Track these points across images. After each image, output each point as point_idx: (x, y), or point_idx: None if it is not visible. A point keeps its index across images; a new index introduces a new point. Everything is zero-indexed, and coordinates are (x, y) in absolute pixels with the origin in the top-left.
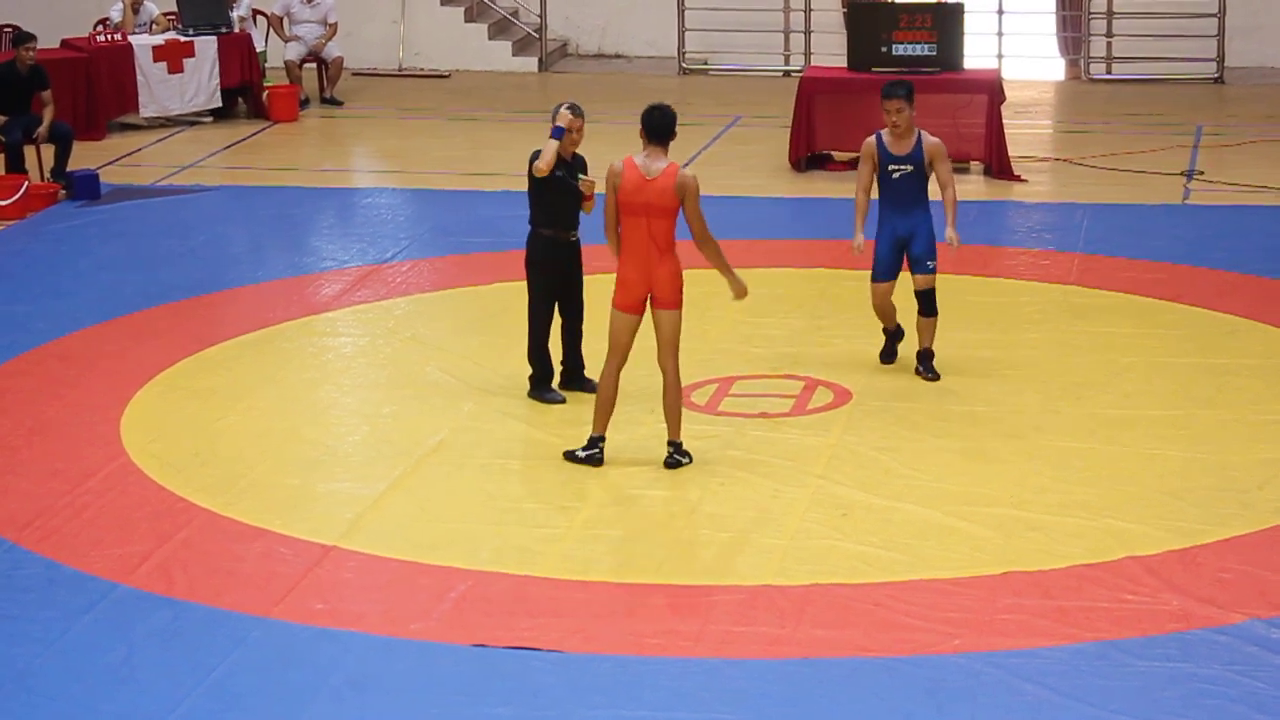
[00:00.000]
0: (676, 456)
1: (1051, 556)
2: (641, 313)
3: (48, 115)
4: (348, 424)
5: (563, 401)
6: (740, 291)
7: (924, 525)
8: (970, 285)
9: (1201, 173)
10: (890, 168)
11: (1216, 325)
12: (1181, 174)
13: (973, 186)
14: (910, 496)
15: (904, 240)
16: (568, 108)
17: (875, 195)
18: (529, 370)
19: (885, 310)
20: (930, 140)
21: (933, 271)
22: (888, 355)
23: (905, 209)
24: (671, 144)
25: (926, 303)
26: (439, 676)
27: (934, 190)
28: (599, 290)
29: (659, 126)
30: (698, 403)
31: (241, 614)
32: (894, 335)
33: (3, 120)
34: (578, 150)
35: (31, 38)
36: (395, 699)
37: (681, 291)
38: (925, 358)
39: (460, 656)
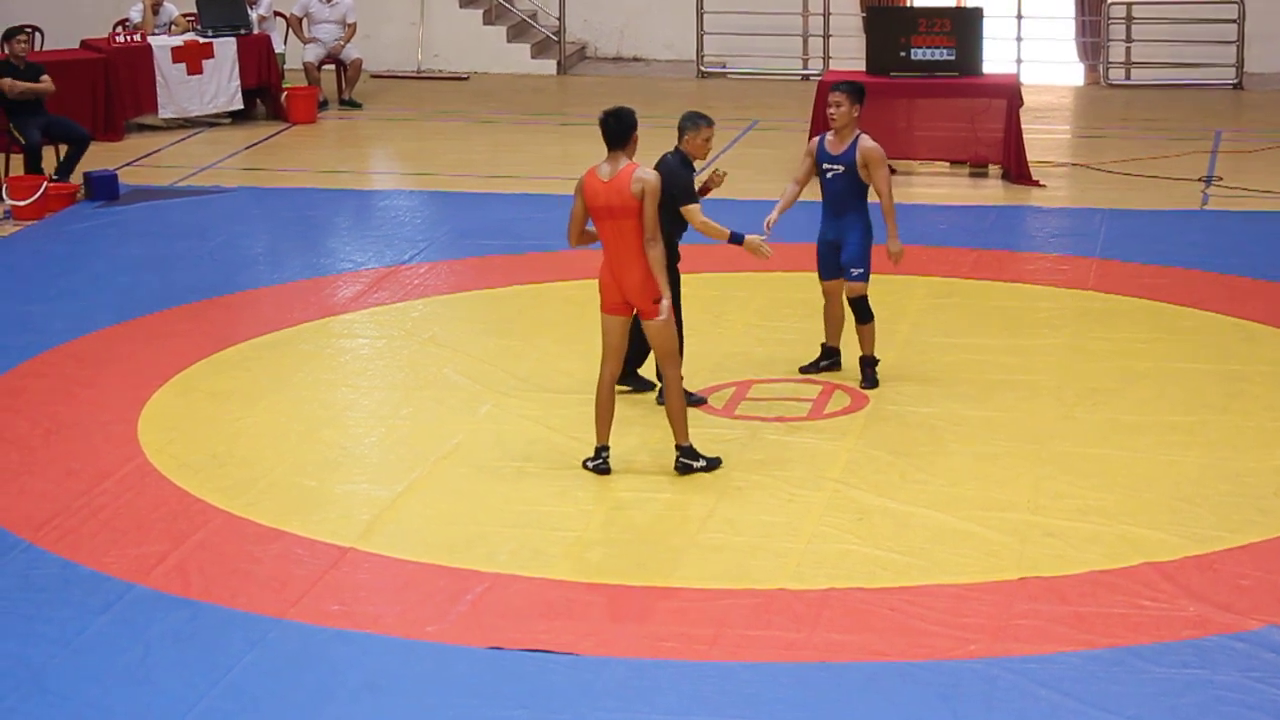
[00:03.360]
0: (685, 461)
1: (1068, 562)
2: (625, 314)
3: (43, 85)
4: (365, 426)
5: (654, 387)
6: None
7: (940, 530)
8: (987, 290)
9: (1220, 178)
10: (825, 166)
11: (1234, 331)
12: (1200, 180)
13: (991, 191)
14: (926, 501)
15: (834, 244)
16: (705, 121)
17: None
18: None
19: (831, 315)
20: (866, 144)
21: (859, 279)
22: (810, 367)
23: (838, 213)
24: (635, 147)
25: (858, 310)
26: (454, 678)
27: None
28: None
29: (614, 131)
30: (715, 406)
31: (258, 615)
32: (827, 352)
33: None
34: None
35: (22, 30)
36: (411, 701)
37: (658, 300)
38: (865, 364)
39: (475, 659)
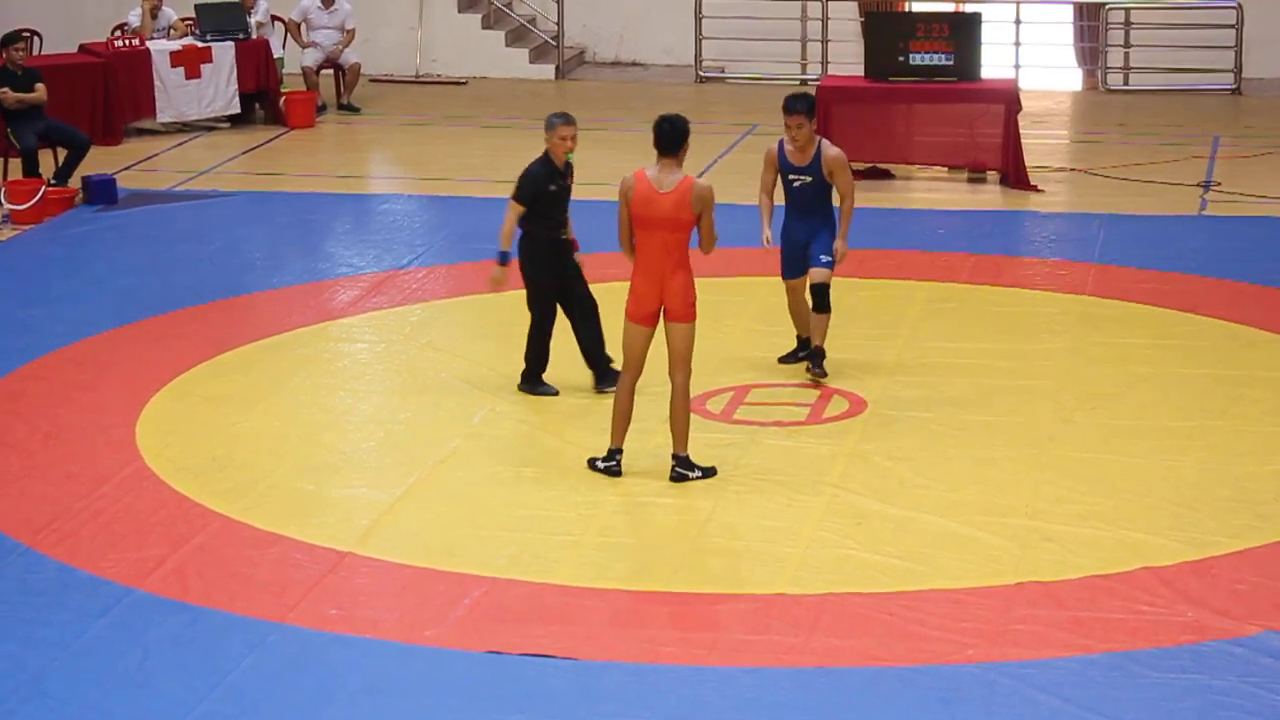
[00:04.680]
0: (681, 470)
1: (1066, 567)
2: (653, 325)
3: (36, 95)
4: (363, 430)
5: (555, 393)
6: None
7: (938, 535)
8: (986, 295)
9: (1218, 184)
10: (790, 177)
11: (1232, 337)
12: (1198, 185)
13: (989, 196)
14: (925, 506)
15: (804, 243)
16: (561, 120)
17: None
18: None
19: (798, 310)
20: (830, 152)
21: (828, 266)
22: (788, 357)
23: (806, 215)
24: (686, 155)
25: (819, 298)
26: (453, 683)
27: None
28: (609, 299)
29: (669, 138)
30: (713, 411)
31: (256, 619)
32: (804, 343)
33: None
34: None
35: (19, 37)
36: (409, 705)
37: (694, 305)
38: (815, 356)
39: (474, 663)
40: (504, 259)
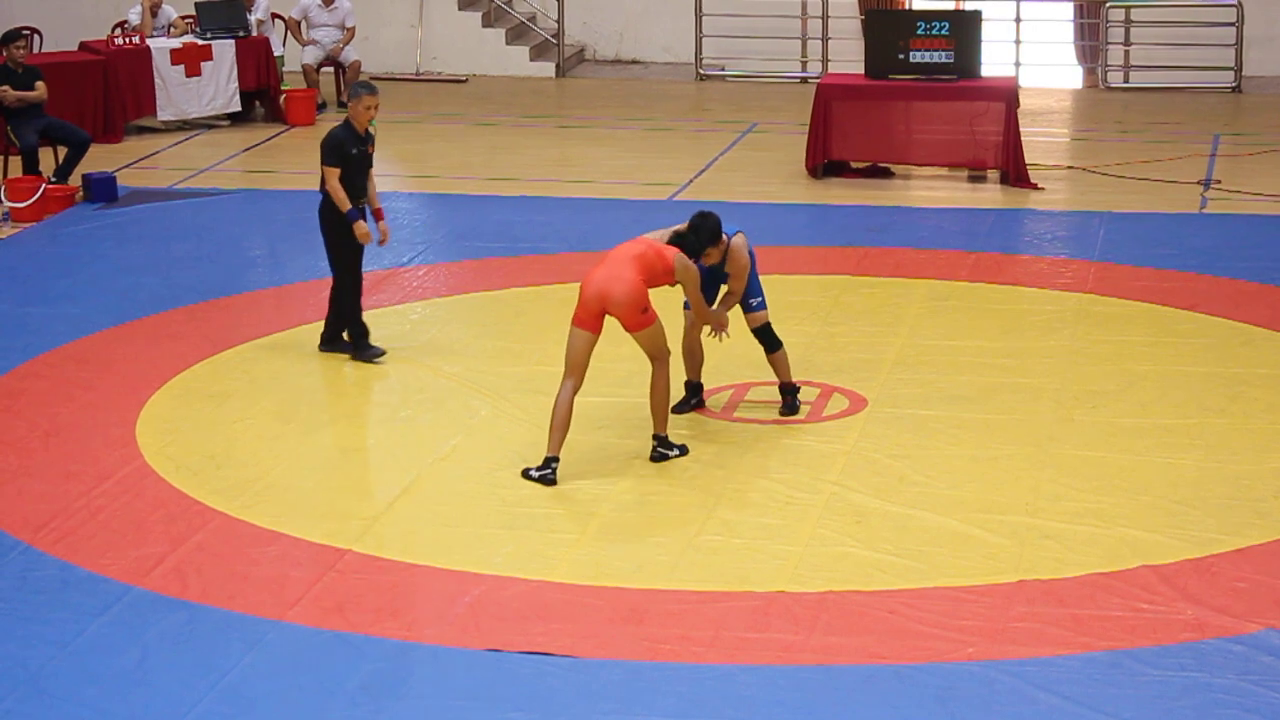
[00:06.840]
0: (661, 450)
1: (1066, 565)
2: (595, 330)
3: (36, 93)
4: (363, 428)
5: (383, 353)
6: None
7: (938, 533)
8: (986, 292)
9: (1219, 182)
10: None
11: (1233, 334)
12: (1198, 183)
13: (989, 194)
14: (925, 504)
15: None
16: (366, 90)
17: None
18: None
19: (692, 349)
20: (731, 252)
21: (759, 308)
22: (681, 406)
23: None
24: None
25: (764, 339)
26: (453, 681)
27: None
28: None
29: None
30: (713, 409)
31: (256, 617)
32: (693, 389)
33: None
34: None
35: (21, 35)
36: (409, 704)
37: (648, 310)
38: (784, 392)
39: (474, 661)
40: (353, 215)
